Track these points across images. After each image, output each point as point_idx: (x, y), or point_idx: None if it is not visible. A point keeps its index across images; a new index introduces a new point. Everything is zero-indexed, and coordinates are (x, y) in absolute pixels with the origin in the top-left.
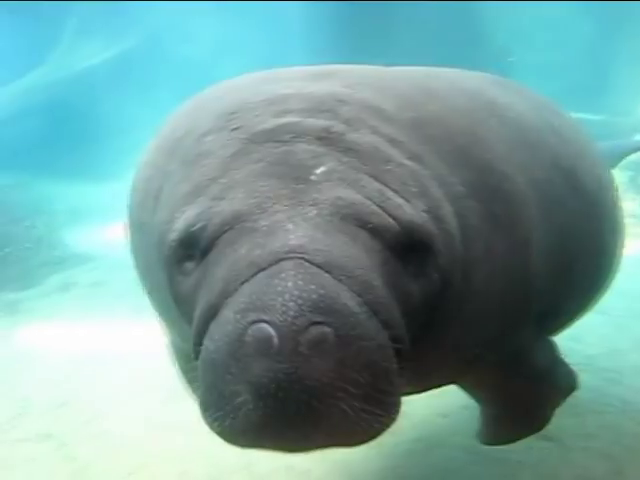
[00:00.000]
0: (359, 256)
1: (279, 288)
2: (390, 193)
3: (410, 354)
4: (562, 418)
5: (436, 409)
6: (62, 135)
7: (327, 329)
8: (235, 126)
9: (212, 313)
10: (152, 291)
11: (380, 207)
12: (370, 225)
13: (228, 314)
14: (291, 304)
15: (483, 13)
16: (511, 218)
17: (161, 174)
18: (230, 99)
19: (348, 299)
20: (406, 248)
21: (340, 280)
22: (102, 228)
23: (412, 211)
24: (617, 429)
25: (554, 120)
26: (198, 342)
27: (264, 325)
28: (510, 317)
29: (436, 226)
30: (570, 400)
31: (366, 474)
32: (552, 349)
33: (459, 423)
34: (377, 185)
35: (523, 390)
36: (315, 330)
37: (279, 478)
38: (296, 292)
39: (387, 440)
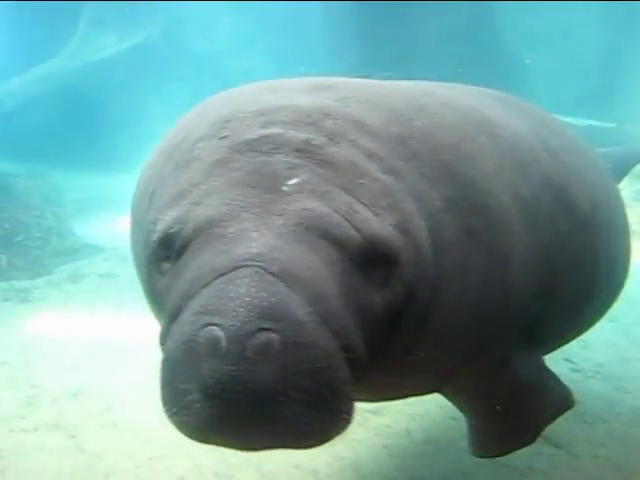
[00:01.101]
0: (316, 266)
1: (232, 294)
2: (359, 206)
3: (368, 363)
4: (571, 425)
5: (447, 411)
6: (74, 126)
7: (273, 335)
8: (224, 134)
9: (176, 314)
10: (142, 285)
11: (346, 219)
12: (332, 236)
13: (186, 316)
14: (241, 310)
15: (499, 17)
16: (491, 234)
17: (158, 176)
18: (226, 108)
19: (297, 308)
20: (369, 260)
21: (293, 289)
22: (112, 220)
23: (378, 224)
24: (626, 438)
25: (553, 140)
26: (163, 341)
27: (215, 328)
28: (487, 331)
29: (404, 240)
30: (579, 408)
31: (375, 474)
32: (539, 364)
33: None
34: (347, 198)
35: (506, 402)
36: (262, 336)
37: (287, 477)
38: (247, 299)
39: (397, 441)
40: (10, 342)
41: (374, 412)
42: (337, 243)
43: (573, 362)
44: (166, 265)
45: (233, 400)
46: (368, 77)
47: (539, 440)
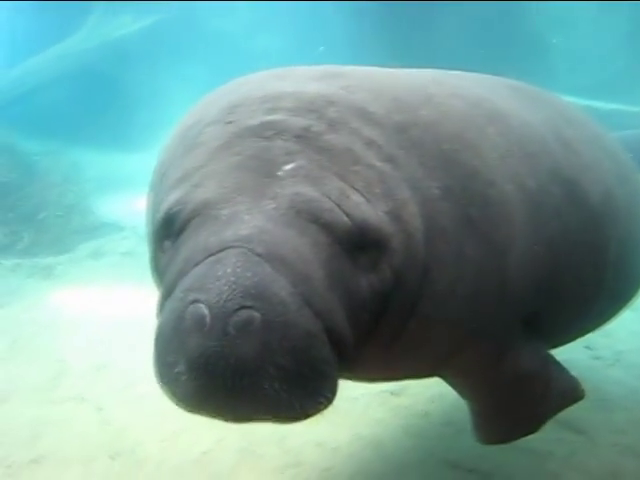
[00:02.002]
0: (303, 249)
1: (219, 273)
2: (351, 192)
3: (356, 345)
4: (592, 412)
5: None
6: (92, 104)
7: (255, 313)
8: (230, 120)
9: (170, 290)
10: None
11: (337, 204)
12: (322, 220)
13: (177, 292)
14: (225, 288)
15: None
16: (491, 224)
17: (170, 159)
18: (235, 94)
19: (280, 288)
20: (359, 245)
21: (277, 270)
22: (131, 199)
23: (369, 210)
24: None
25: (568, 131)
26: (159, 316)
27: (200, 305)
28: (483, 320)
29: (395, 226)
30: (599, 395)
31: (394, 454)
32: (543, 354)
33: None
34: (339, 184)
35: (505, 391)
36: (243, 313)
37: (309, 453)
38: (232, 278)
39: (416, 422)
40: (35, 317)
41: (394, 393)
42: (326, 227)
43: (593, 349)
44: (167, 243)
45: (215, 374)
46: (384, 65)
47: (559, 426)
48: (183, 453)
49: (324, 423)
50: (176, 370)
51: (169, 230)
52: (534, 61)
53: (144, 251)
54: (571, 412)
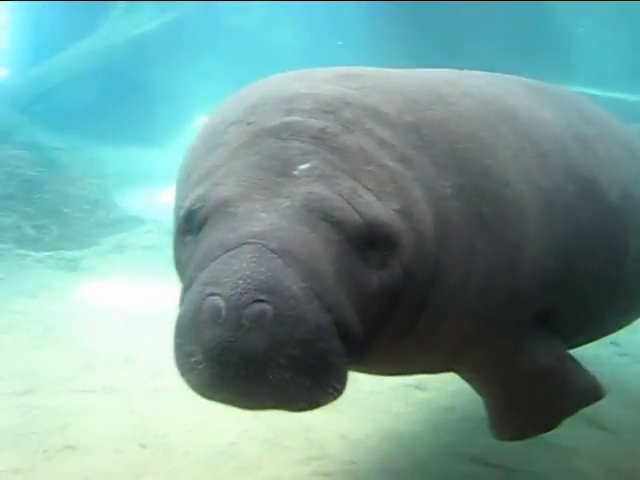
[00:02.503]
0: (314, 245)
1: (235, 267)
2: (363, 191)
3: (367, 339)
4: (617, 409)
5: None
6: (112, 101)
7: (267, 307)
8: (251, 120)
9: (190, 283)
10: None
11: (348, 203)
12: (333, 218)
13: (195, 285)
14: (240, 282)
15: None
16: (503, 222)
17: (195, 157)
18: (258, 94)
19: (292, 283)
20: (369, 241)
21: (289, 265)
22: (152, 192)
23: (380, 208)
24: None
25: (587, 129)
26: (179, 307)
27: (216, 298)
28: (495, 316)
29: (405, 224)
30: (626, 391)
31: (416, 447)
32: (558, 352)
33: None
34: (352, 183)
35: (519, 388)
36: (257, 306)
37: (333, 445)
38: (247, 272)
39: (438, 416)
40: (63, 308)
41: (417, 387)
42: (337, 224)
43: (620, 346)
44: (189, 238)
45: (229, 363)
46: (400, 58)
47: (585, 422)
48: (210, 443)
49: (347, 416)
50: (193, 359)
51: (191, 225)
52: (558, 52)
53: (166, 244)
54: (597, 409)
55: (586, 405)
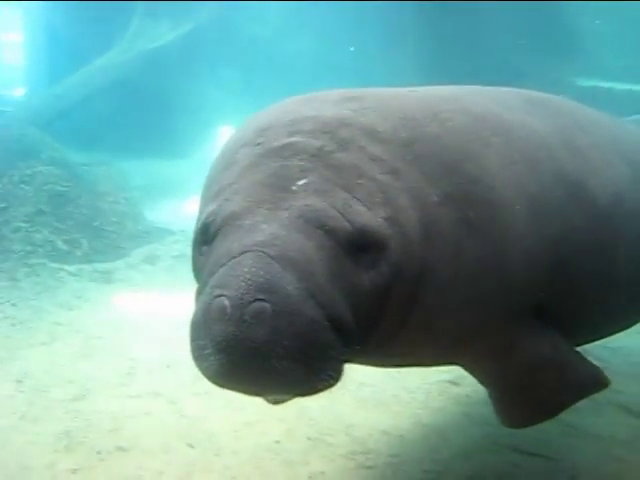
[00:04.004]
0: (309, 251)
1: (238, 272)
2: (354, 202)
3: (362, 333)
4: None
5: None
6: (132, 114)
7: (266, 304)
8: (258, 142)
9: (203, 287)
10: None
11: (340, 213)
12: (326, 227)
13: (207, 289)
14: (243, 284)
15: None
16: (491, 225)
17: (213, 174)
18: (268, 117)
19: (288, 284)
20: (359, 246)
21: (286, 269)
22: (176, 203)
23: (369, 217)
24: None
25: (581, 138)
26: None
27: (223, 298)
28: (486, 310)
29: (393, 229)
30: None
31: (459, 440)
32: (557, 344)
33: None
34: (344, 195)
35: (518, 377)
36: (257, 305)
37: (376, 440)
38: (248, 275)
39: (478, 410)
40: (102, 318)
41: (453, 383)
42: (330, 232)
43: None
44: (205, 248)
45: (234, 354)
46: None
47: (623, 411)
48: (256, 442)
49: (388, 413)
50: (205, 351)
51: (206, 237)
52: (576, 46)
53: None
54: (635, 398)
55: (590, 394)
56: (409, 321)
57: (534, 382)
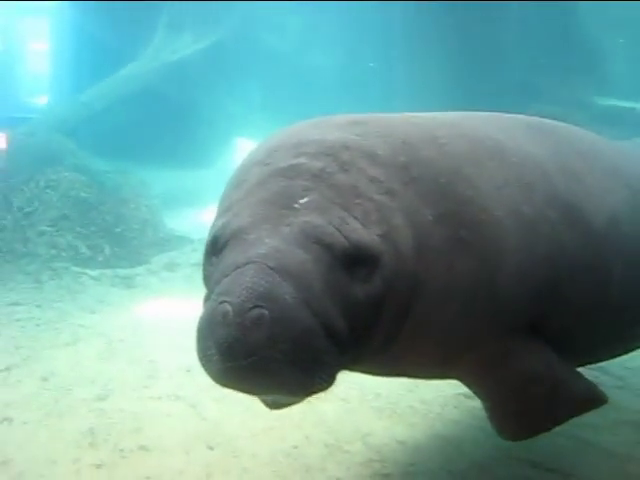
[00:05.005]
0: (306, 264)
1: (241, 281)
2: (350, 220)
3: (356, 342)
4: None
5: None
6: (154, 124)
7: (265, 311)
8: (267, 162)
9: (210, 295)
10: None
11: (337, 229)
12: (324, 242)
13: (213, 296)
14: (244, 292)
15: (582, 5)
16: (482, 244)
17: (227, 191)
18: (278, 139)
19: (285, 293)
20: (355, 260)
21: (284, 279)
22: (195, 213)
23: (364, 233)
24: None
25: (577, 163)
26: None
27: (226, 304)
28: (477, 324)
29: (386, 246)
30: None
31: (475, 453)
32: (549, 358)
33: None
34: (342, 213)
35: (510, 391)
36: (256, 311)
37: (392, 450)
38: (250, 285)
39: None
40: (123, 322)
41: (469, 396)
42: (327, 247)
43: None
44: (214, 259)
45: (235, 355)
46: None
47: (637, 429)
48: (274, 446)
49: (404, 423)
50: (209, 352)
51: (215, 248)
52: (597, 65)
53: None
54: None
55: (586, 411)
56: (402, 331)
57: (526, 396)
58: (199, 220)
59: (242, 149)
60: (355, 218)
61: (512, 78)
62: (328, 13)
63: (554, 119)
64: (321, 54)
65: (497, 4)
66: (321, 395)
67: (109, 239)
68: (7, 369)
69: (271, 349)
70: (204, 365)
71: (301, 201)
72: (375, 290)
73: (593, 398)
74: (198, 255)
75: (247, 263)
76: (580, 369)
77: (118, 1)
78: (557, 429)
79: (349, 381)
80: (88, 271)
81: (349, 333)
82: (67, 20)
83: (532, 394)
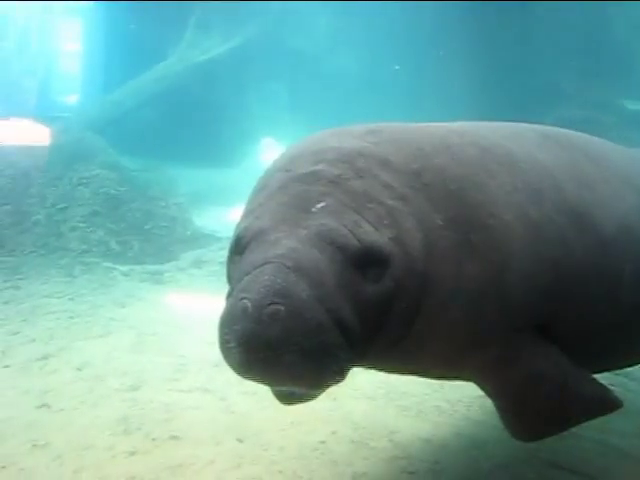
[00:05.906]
0: (321, 263)
1: (260, 279)
2: (364, 223)
3: (367, 338)
4: None
5: None
6: (183, 123)
7: (281, 307)
8: (289, 168)
9: (232, 291)
10: None
11: (351, 232)
12: (338, 243)
13: (234, 293)
14: (262, 290)
15: (610, 9)
16: (490, 248)
17: (252, 194)
18: (300, 147)
19: (300, 290)
20: (367, 262)
21: (299, 278)
22: (223, 211)
23: (376, 236)
24: None
25: (589, 171)
26: None
27: (246, 301)
28: (483, 325)
29: (397, 248)
30: None
31: (499, 454)
32: (559, 360)
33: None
34: (356, 217)
35: (519, 391)
36: (273, 307)
37: (417, 447)
38: (267, 282)
39: None
40: (152, 316)
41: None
42: (340, 248)
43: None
44: (237, 258)
45: (253, 348)
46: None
47: None
48: (302, 441)
49: (429, 422)
50: (229, 345)
51: (238, 248)
52: (626, 68)
53: None
54: None
55: (599, 414)
56: (412, 330)
57: (535, 396)
58: (226, 218)
59: (268, 149)
60: (368, 221)
61: (540, 81)
62: (355, 16)
63: (583, 122)
64: (347, 56)
65: (525, 5)
66: (349, 393)
67: (138, 236)
68: (44, 358)
69: (286, 342)
70: (225, 357)
71: (318, 205)
72: (385, 290)
73: (605, 401)
74: (225, 253)
75: (266, 263)
76: (606, 374)
77: (149, 1)
78: (583, 433)
79: (376, 380)
80: (118, 266)
81: (360, 329)
82: (98, 20)
83: (538, 393)
